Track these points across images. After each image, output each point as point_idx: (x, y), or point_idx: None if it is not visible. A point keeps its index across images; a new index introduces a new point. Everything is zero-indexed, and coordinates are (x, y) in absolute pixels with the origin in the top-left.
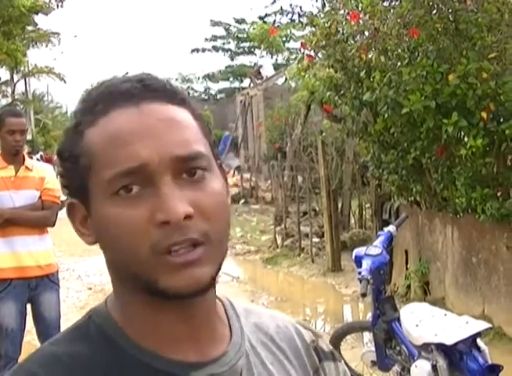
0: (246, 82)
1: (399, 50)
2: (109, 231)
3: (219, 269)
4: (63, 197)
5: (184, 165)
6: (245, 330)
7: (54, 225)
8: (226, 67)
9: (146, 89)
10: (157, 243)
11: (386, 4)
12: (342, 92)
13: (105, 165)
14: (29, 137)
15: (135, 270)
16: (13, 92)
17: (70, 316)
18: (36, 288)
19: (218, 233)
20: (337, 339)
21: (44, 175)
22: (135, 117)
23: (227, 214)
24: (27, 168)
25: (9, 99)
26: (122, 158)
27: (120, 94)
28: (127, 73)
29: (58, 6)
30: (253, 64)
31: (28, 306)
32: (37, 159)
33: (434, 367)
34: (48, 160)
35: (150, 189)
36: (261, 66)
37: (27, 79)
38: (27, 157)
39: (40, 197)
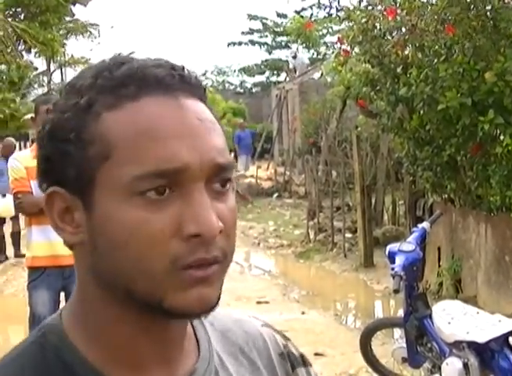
0: (282, 76)
1: (436, 46)
2: (119, 236)
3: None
4: None
5: (219, 174)
6: (212, 342)
7: None
8: (262, 61)
9: (183, 81)
10: (180, 257)
11: (423, 0)
12: (378, 87)
13: (132, 160)
14: None
15: (138, 284)
16: (49, 81)
17: None
18: (69, 277)
19: (232, 252)
20: (367, 335)
21: None
22: (174, 111)
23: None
24: None
25: (45, 89)
26: (159, 156)
27: (155, 80)
28: (132, 52)
29: None
30: (290, 58)
31: (62, 295)
32: None
33: (466, 365)
34: None
35: (178, 194)
36: (294, 56)
37: (63, 69)
38: None
39: None
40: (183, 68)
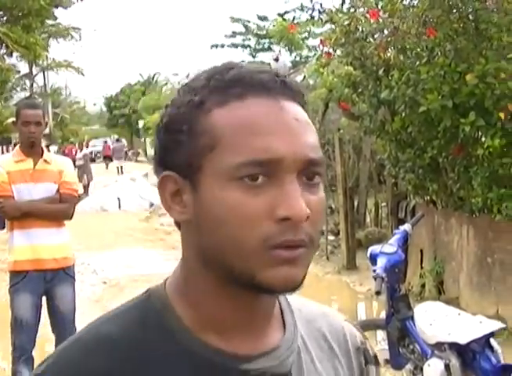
0: None
1: (418, 49)
2: (220, 214)
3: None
4: (81, 191)
5: (309, 168)
6: (298, 325)
7: (71, 218)
8: None
9: (285, 86)
10: (270, 237)
11: (406, 2)
12: (360, 89)
13: (235, 150)
14: (47, 131)
15: (234, 260)
16: (32, 85)
17: (83, 309)
18: (51, 281)
19: (318, 239)
20: None
21: (62, 169)
22: (275, 110)
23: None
24: (45, 161)
25: (28, 93)
26: (257, 148)
27: (260, 83)
28: (242, 61)
29: (78, 0)
30: (272, 61)
31: (44, 299)
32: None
33: (447, 366)
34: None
35: (273, 182)
36: (276, 59)
37: (45, 73)
38: (45, 150)
39: (58, 190)
40: (285, 76)
